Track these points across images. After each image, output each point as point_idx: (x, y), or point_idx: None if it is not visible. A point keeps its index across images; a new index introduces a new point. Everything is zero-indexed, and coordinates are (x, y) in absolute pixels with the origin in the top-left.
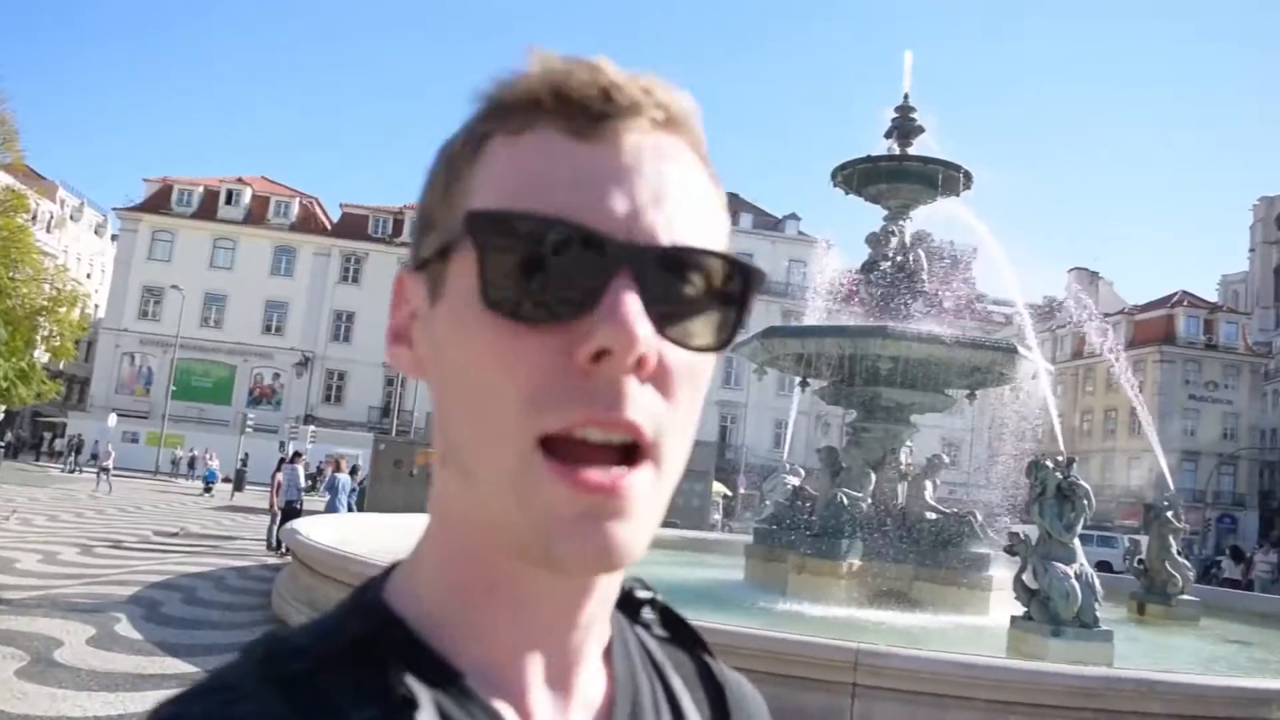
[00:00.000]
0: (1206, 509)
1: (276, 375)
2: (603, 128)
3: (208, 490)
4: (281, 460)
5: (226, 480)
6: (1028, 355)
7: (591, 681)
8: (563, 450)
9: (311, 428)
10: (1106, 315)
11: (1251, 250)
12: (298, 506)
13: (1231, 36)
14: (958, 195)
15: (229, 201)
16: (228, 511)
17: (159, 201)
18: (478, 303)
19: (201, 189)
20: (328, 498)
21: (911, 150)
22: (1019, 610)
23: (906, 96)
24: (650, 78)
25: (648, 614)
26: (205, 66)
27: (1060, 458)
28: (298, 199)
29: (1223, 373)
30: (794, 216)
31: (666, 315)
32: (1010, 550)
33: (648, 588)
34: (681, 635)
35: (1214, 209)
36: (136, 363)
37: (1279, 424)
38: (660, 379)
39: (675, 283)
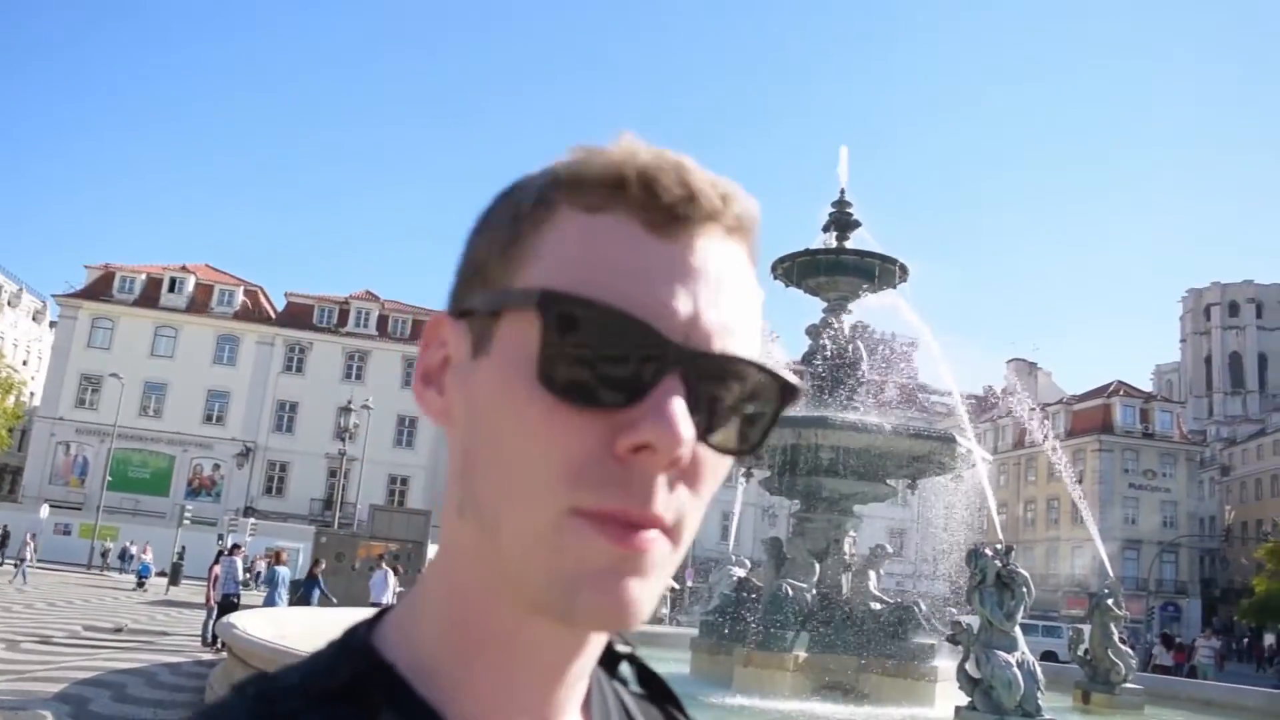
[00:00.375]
0: (1150, 597)
1: (216, 466)
2: (678, 228)
3: (141, 585)
4: (220, 553)
5: (161, 574)
6: (966, 444)
7: None
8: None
9: (251, 520)
10: (1045, 405)
11: (1182, 341)
12: (235, 600)
13: (1159, 132)
14: (894, 287)
15: (172, 289)
16: (162, 606)
17: (100, 288)
18: (532, 375)
19: (144, 276)
20: (266, 591)
21: (849, 243)
22: (963, 700)
23: (843, 191)
24: (729, 184)
25: (624, 669)
26: (151, 153)
27: (999, 546)
28: (242, 287)
29: (1160, 461)
30: None
31: (711, 421)
32: (953, 639)
33: (627, 642)
34: (655, 692)
35: (1146, 301)
36: (72, 452)
37: (1216, 511)
38: (689, 474)
39: (720, 388)
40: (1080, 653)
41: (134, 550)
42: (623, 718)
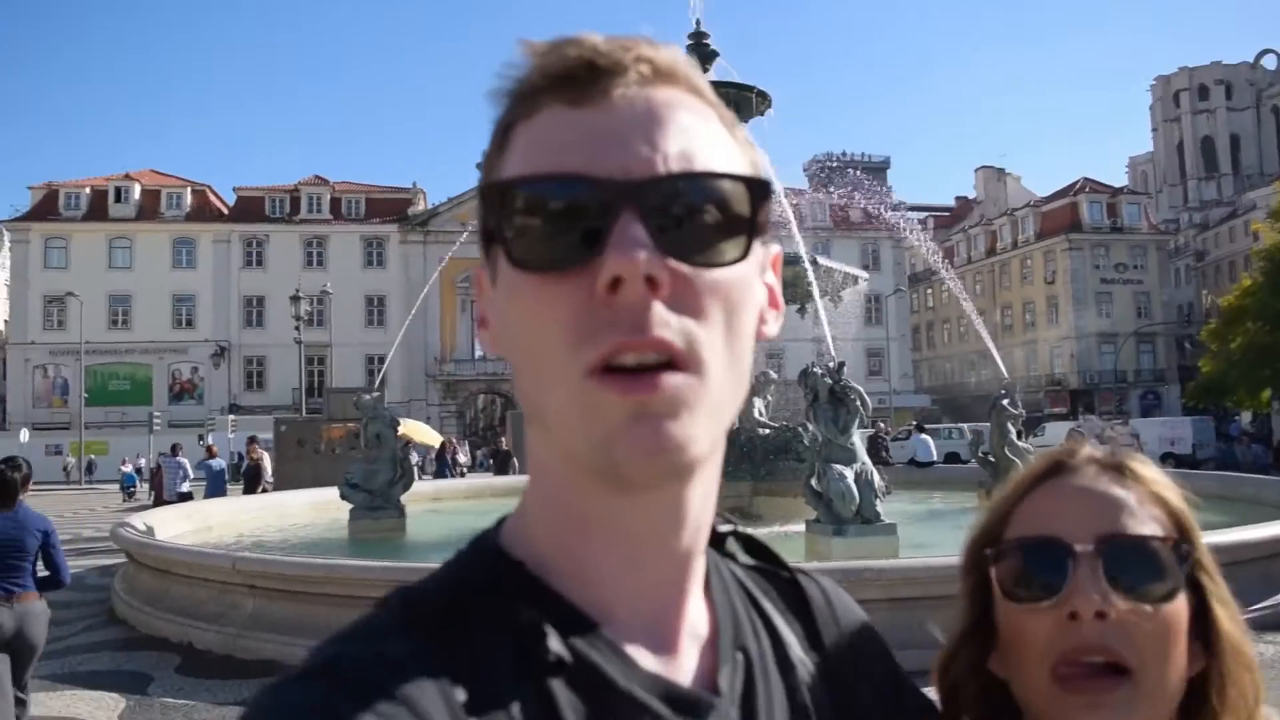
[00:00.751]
0: (1130, 388)
1: (195, 369)
2: (594, 91)
3: (130, 494)
4: (161, 454)
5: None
6: (836, 266)
7: (695, 614)
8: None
9: (231, 417)
10: (1014, 210)
11: (1154, 130)
12: (190, 498)
13: None
14: (760, 115)
15: (119, 199)
16: (140, 512)
17: (46, 208)
18: (510, 267)
19: (89, 190)
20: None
21: (709, 76)
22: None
23: (699, 22)
24: (632, 38)
25: (732, 544)
26: (77, 64)
27: (831, 363)
28: (189, 188)
29: (1130, 254)
30: None
31: (678, 238)
32: (799, 458)
33: (728, 520)
34: (765, 560)
35: (1116, 93)
36: (50, 374)
37: (1192, 299)
38: (683, 299)
39: (681, 207)
40: (981, 453)
41: (124, 464)
42: (740, 594)
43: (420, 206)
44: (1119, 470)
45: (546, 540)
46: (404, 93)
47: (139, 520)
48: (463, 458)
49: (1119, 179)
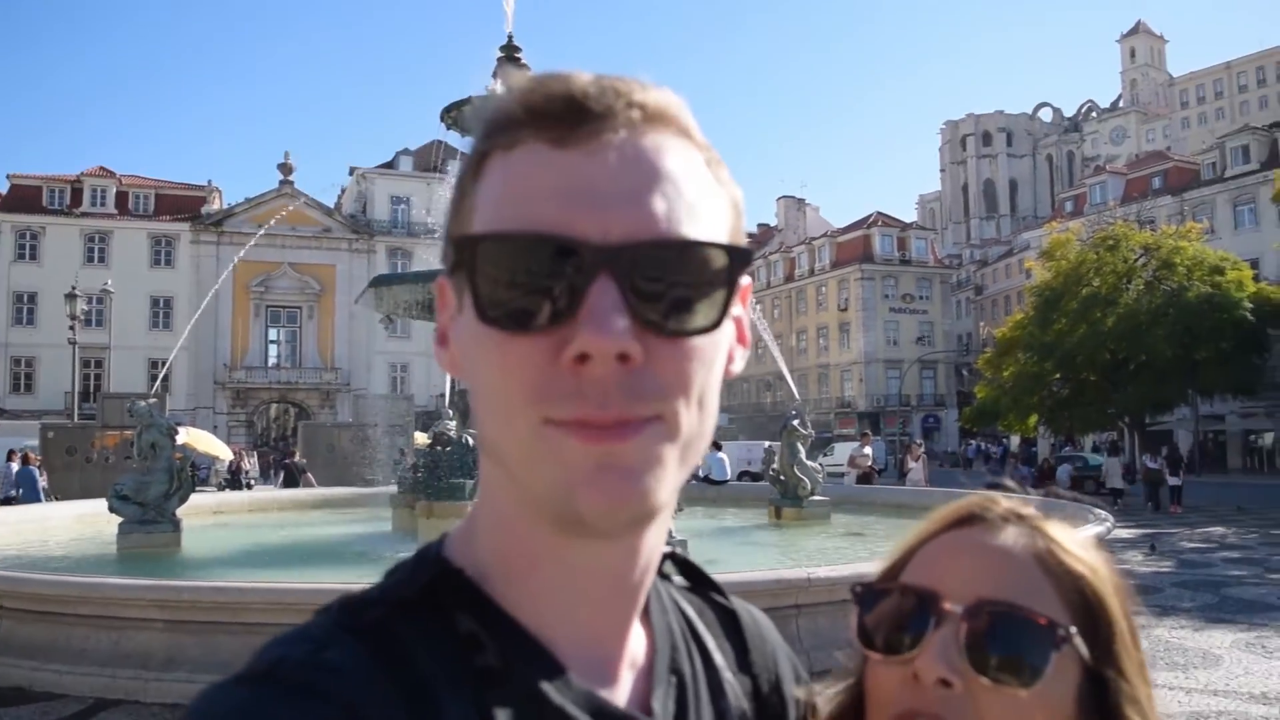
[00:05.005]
0: (913, 411)
1: None
2: (580, 135)
3: None
4: None
5: None
6: None
7: (635, 638)
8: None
9: None
10: (813, 239)
11: (942, 170)
12: None
13: None
14: None
15: None
16: None
17: None
18: (475, 319)
19: None
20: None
21: None
22: None
23: (510, 35)
24: (623, 79)
25: (668, 566)
26: None
27: None
28: None
29: (917, 285)
30: (406, 152)
31: (654, 307)
32: None
33: (667, 542)
34: (698, 582)
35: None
36: None
37: (971, 329)
38: (656, 366)
39: (658, 274)
40: (770, 471)
41: None
42: (677, 616)
43: (215, 206)
44: (1035, 533)
45: (492, 561)
46: (201, 85)
47: None
48: (247, 467)
49: (909, 214)
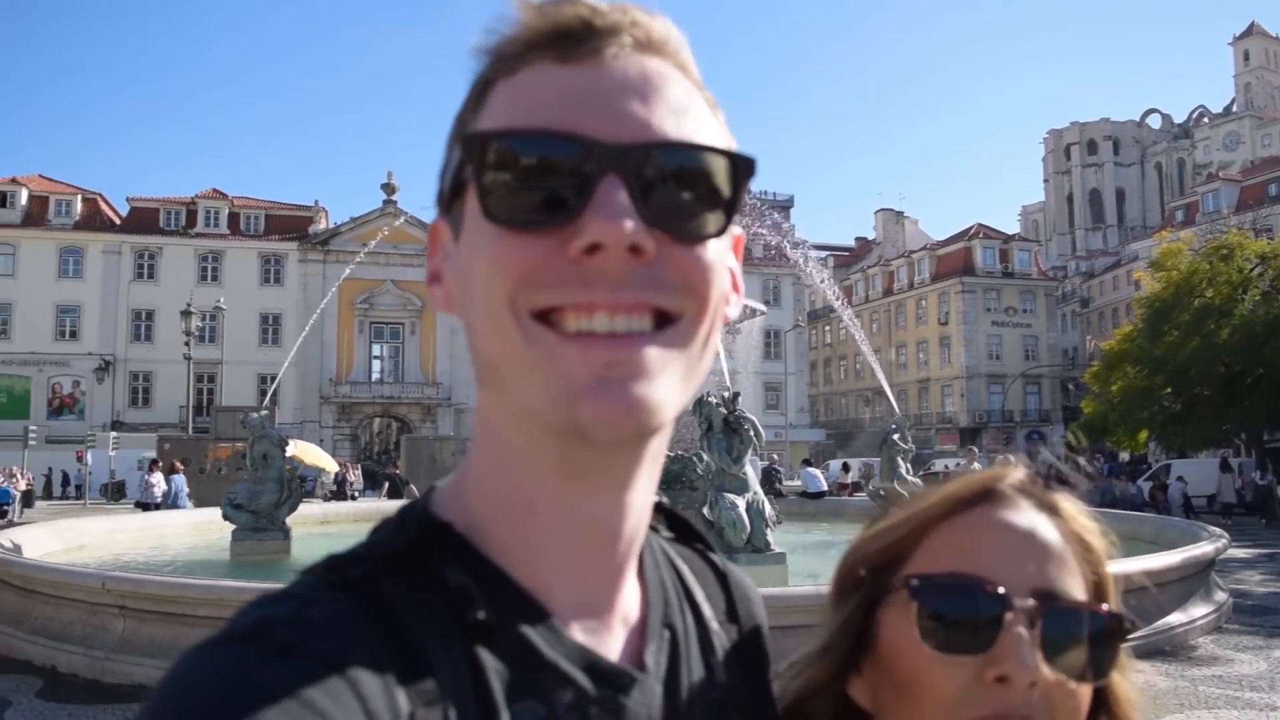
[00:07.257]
0: (1016, 427)
1: (76, 383)
2: (586, 50)
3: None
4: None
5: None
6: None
7: (629, 591)
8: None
9: (114, 434)
10: (912, 252)
11: (1045, 180)
12: None
13: None
14: None
15: (4, 204)
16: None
17: None
18: (481, 218)
19: None
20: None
21: None
22: None
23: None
24: (629, 5)
25: (655, 518)
26: None
27: (725, 393)
28: (79, 195)
29: (1020, 298)
30: None
31: (661, 208)
32: (692, 486)
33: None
34: (685, 534)
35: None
36: None
37: (1077, 343)
38: (664, 267)
39: (664, 176)
40: (872, 487)
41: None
42: (669, 569)
43: (322, 225)
44: (1052, 510)
45: (484, 511)
46: (308, 111)
47: (5, 536)
48: (352, 479)
49: (1012, 226)
